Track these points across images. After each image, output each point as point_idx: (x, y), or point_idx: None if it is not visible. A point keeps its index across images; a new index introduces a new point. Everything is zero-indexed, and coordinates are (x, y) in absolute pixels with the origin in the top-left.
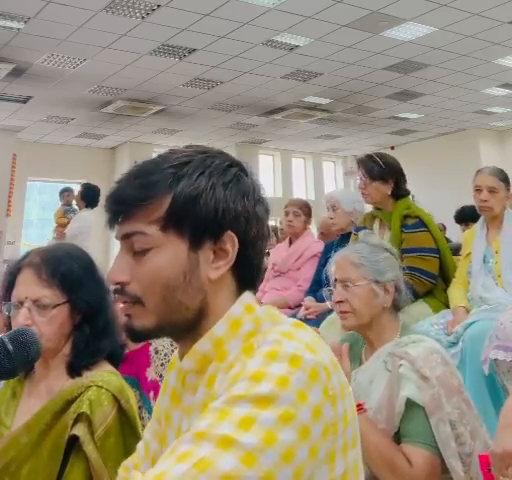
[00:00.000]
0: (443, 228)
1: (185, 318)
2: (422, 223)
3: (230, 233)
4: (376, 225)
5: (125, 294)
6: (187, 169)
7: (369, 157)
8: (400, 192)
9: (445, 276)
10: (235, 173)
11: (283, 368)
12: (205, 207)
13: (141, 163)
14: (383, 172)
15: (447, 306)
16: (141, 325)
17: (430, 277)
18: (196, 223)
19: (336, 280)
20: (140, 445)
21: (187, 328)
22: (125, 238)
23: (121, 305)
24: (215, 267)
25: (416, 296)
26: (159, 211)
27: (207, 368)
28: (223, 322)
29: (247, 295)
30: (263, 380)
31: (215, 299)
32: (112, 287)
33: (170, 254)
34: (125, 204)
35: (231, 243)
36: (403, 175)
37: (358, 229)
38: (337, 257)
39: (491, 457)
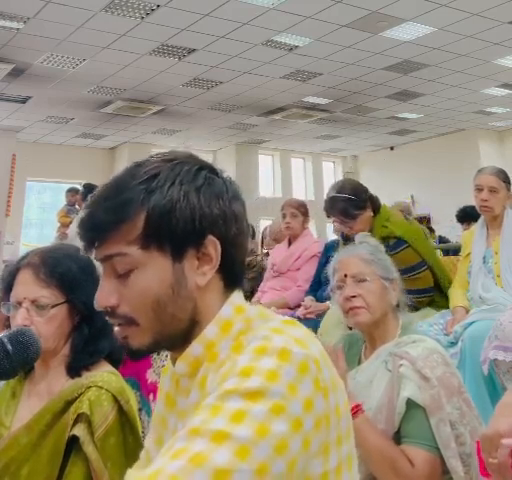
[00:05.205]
0: (430, 232)
1: (179, 329)
2: (402, 240)
3: (211, 237)
4: None
5: (117, 316)
6: (157, 182)
7: (333, 200)
8: (376, 206)
9: (438, 280)
10: (205, 176)
11: (272, 362)
12: (182, 218)
13: (109, 182)
14: (358, 202)
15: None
16: (138, 344)
17: (426, 292)
18: (175, 236)
19: (346, 276)
20: (142, 453)
21: (182, 337)
22: (106, 260)
23: (116, 328)
24: (201, 273)
25: (417, 309)
26: (136, 230)
27: (198, 370)
28: (214, 324)
29: (236, 295)
30: (253, 375)
31: (205, 303)
32: (102, 310)
33: (155, 271)
34: (99, 230)
35: (213, 247)
36: (367, 189)
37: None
38: (344, 255)
39: (482, 440)
